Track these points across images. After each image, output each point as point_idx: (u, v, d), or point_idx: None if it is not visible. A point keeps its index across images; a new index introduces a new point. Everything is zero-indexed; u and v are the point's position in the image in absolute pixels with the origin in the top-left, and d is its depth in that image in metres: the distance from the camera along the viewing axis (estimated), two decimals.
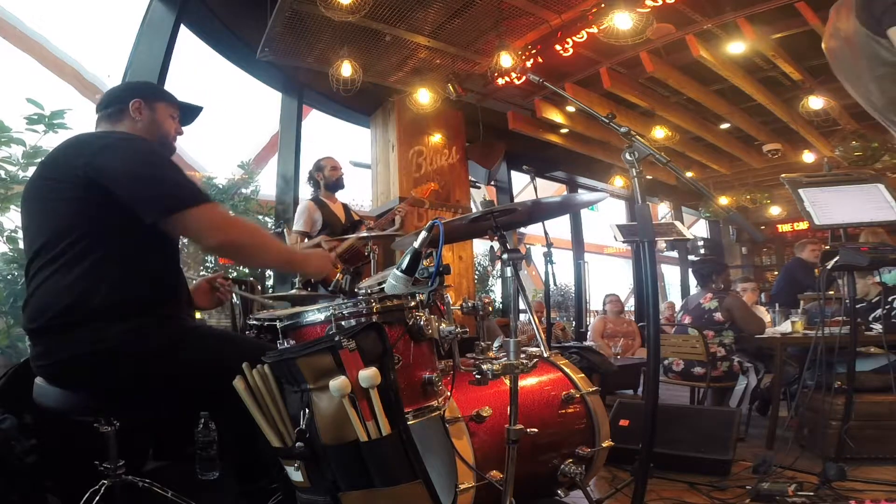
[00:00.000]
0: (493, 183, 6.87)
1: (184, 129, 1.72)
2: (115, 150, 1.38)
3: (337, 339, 1.16)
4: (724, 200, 8.24)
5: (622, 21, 3.69)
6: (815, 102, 5.25)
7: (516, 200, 7.23)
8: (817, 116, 5.42)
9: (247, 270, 4.20)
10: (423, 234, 1.29)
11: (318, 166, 3.71)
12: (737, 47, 4.58)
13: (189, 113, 1.74)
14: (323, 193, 3.69)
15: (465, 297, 1.50)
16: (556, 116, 5.88)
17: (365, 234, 3.26)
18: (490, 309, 1.50)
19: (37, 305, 1.38)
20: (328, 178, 3.67)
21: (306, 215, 3.56)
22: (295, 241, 3.51)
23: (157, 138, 1.60)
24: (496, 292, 7.47)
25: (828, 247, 2.41)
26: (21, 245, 2.58)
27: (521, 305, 1.70)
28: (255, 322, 1.71)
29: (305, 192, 4.02)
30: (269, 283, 4.51)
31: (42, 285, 1.38)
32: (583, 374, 1.98)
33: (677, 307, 6.64)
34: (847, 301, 2.38)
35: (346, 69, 4.14)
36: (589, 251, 8.40)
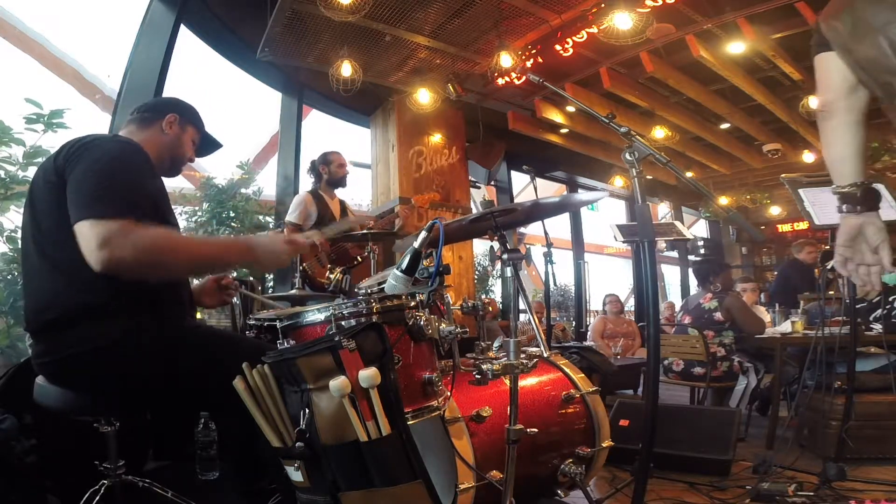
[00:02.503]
0: (493, 183, 6.88)
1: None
2: (91, 150, 1.35)
3: (337, 339, 1.16)
4: (724, 200, 8.25)
5: (622, 21, 3.69)
6: (815, 102, 5.24)
7: (516, 200, 7.23)
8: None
9: (246, 270, 4.20)
10: (423, 234, 1.29)
11: (326, 160, 3.64)
12: (737, 47, 4.58)
13: (208, 144, 1.77)
14: (322, 188, 3.64)
15: (465, 297, 1.50)
16: (556, 116, 5.88)
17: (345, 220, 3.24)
18: (490, 309, 1.50)
19: (38, 304, 1.39)
20: (333, 174, 3.62)
21: (302, 207, 3.51)
22: (289, 233, 3.50)
23: (172, 157, 1.64)
24: (496, 292, 7.48)
25: (827, 247, 2.41)
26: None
27: (521, 305, 1.70)
28: (255, 322, 1.71)
29: (305, 188, 4.01)
30: (270, 283, 4.51)
31: (41, 285, 1.39)
32: (583, 374, 1.98)
33: (677, 307, 6.64)
34: (847, 301, 2.38)
35: (346, 69, 4.14)
36: (589, 251, 8.41)
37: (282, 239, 1.49)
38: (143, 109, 1.64)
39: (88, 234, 1.23)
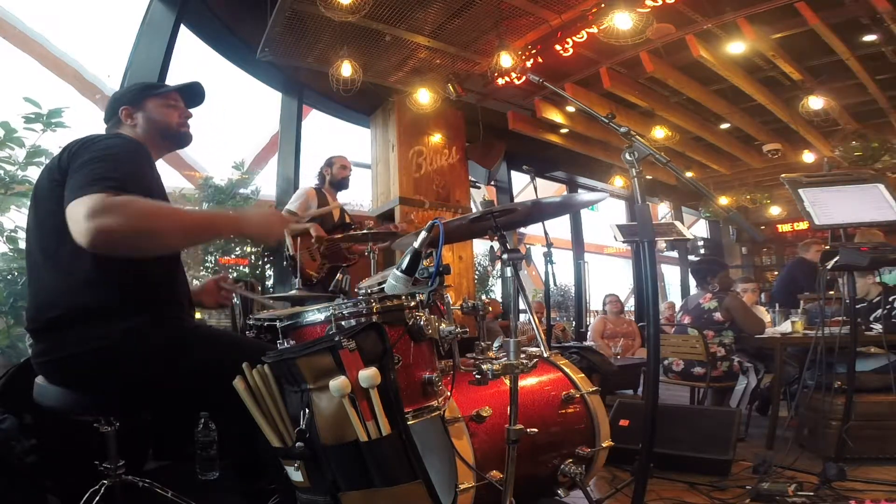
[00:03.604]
0: (493, 183, 6.88)
1: (193, 110, 1.71)
2: (92, 144, 1.35)
3: (337, 339, 1.16)
4: (724, 200, 8.25)
5: (622, 21, 3.69)
6: (815, 102, 5.25)
7: (516, 200, 7.23)
8: (817, 116, 5.42)
9: (246, 270, 4.20)
10: (423, 234, 1.29)
11: (329, 162, 3.78)
12: (737, 47, 4.58)
13: (191, 95, 1.71)
14: (326, 188, 3.74)
15: (465, 297, 1.50)
16: (556, 116, 5.88)
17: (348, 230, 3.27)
18: (490, 309, 1.50)
19: (39, 303, 1.39)
20: (335, 175, 3.74)
21: (303, 199, 3.60)
22: None
23: (160, 133, 1.60)
24: (496, 292, 7.48)
25: (828, 247, 2.41)
26: (22, 245, 2.58)
27: (521, 305, 1.70)
28: (255, 322, 1.71)
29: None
30: (269, 283, 4.51)
31: (43, 284, 1.39)
32: (583, 374, 1.98)
33: (678, 307, 6.63)
34: (847, 301, 2.38)
35: (346, 69, 4.14)
36: (589, 251, 8.40)
37: (271, 212, 1.48)
38: (105, 122, 1.63)
39: (78, 210, 1.17)
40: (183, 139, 1.66)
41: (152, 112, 1.60)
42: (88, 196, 1.18)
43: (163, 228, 1.25)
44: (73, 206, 1.20)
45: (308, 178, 3.98)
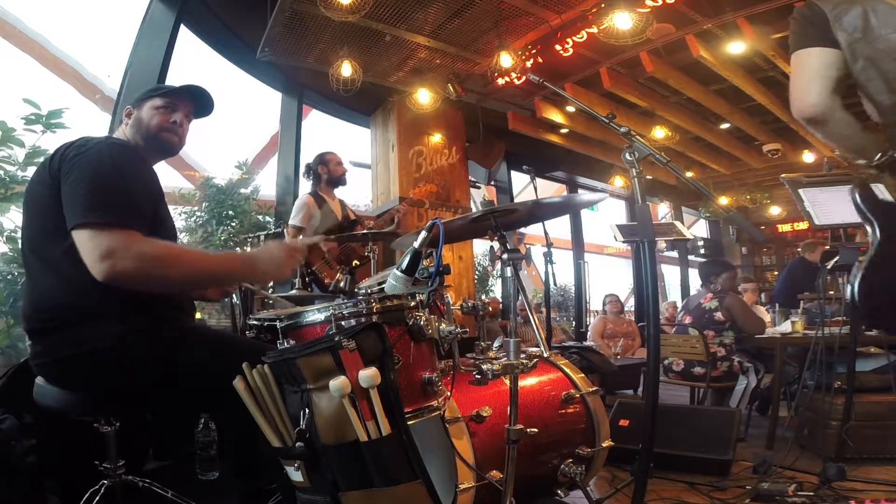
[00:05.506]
0: (493, 183, 6.88)
1: (199, 118, 1.70)
2: (85, 154, 1.35)
3: (337, 339, 1.16)
4: (724, 200, 8.24)
5: (622, 21, 3.69)
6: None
7: (516, 200, 7.23)
8: None
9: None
10: (423, 234, 1.29)
11: (323, 160, 3.62)
12: (737, 47, 4.58)
13: (200, 104, 1.68)
14: (322, 188, 3.62)
15: (465, 297, 1.50)
16: (556, 116, 5.88)
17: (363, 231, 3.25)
18: (490, 309, 1.50)
19: (35, 305, 1.38)
20: (332, 173, 3.61)
21: (305, 211, 3.49)
22: (291, 236, 3.50)
23: (141, 136, 1.59)
24: (496, 292, 7.47)
25: (828, 247, 2.41)
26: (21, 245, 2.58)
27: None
28: (255, 322, 1.71)
29: (305, 190, 4.00)
30: (269, 283, 4.50)
31: (40, 285, 1.39)
32: (583, 374, 1.98)
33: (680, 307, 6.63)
34: (847, 301, 2.38)
35: (346, 69, 4.14)
36: (589, 251, 8.40)
37: (281, 248, 1.48)
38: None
39: (89, 245, 1.23)
40: (161, 144, 1.61)
41: (142, 112, 1.59)
42: (99, 232, 1.23)
43: (175, 275, 1.31)
44: (82, 236, 1.24)
45: (306, 182, 3.92)
